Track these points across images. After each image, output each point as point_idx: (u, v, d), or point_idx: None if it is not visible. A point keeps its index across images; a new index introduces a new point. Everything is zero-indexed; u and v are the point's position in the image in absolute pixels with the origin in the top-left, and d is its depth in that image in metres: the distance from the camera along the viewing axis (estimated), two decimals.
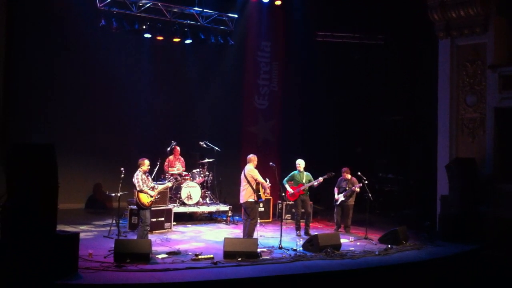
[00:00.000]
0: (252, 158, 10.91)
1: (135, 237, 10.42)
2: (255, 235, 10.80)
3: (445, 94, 13.62)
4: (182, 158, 13.68)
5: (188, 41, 15.41)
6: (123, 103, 15.08)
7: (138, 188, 10.15)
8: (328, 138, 16.86)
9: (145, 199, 10.16)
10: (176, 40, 15.40)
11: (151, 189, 10.28)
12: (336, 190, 12.59)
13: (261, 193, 10.73)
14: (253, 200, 10.68)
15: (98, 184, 14.66)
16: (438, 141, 13.69)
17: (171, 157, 13.51)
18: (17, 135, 12.88)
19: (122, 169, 10.75)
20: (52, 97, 14.05)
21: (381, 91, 16.51)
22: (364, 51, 16.96)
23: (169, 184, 11.74)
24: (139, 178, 10.20)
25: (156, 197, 10.46)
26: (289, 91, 17.00)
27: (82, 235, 9.41)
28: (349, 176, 12.49)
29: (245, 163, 11.01)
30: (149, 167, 10.45)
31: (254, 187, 10.64)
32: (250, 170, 10.75)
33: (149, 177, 10.49)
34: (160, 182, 11.90)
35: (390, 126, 16.63)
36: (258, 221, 12.41)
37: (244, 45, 16.45)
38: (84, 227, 11.91)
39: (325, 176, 12.14)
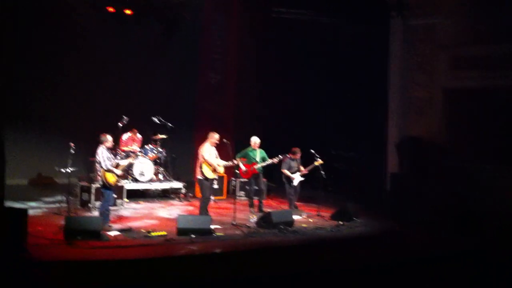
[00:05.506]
0: (210, 135, 10.92)
1: (87, 214, 10.24)
2: (209, 212, 10.84)
3: (396, 72, 13.86)
4: (139, 138, 13.48)
5: (140, 14, 15.04)
6: (73, 77, 14.66)
7: (105, 168, 9.71)
8: (282, 115, 16.89)
9: (111, 178, 9.76)
10: (128, 12, 14.99)
11: (115, 166, 9.89)
12: (285, 171, 12.27)
13: (205, 170, 10.63)
14: (201, 177, 10.70)
15: (44, 159, 14.20)
16: (389, 120, 13.94)
17: (126, 137, 13.25)
18: None
19: (72, 144, 10.47)
20: None
21: (334, 69, 16.57)
22: (317, 29, 16.95)
23: (132, 161, 11.35)
24: (105, 156, 9.74)
25: (122, 176, 10.07)
26: (243, 67, 16.86)
27: (31, 212, 9.24)
28: (299, 156, 12.49)
29: (199, 140, 10.99)
30: (113, 143, 10.06)
31: (199, 164, 10.68)
32: (201, 147, 10.84)
33: (111, 154, 10.08)
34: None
35: (341, 103, 16.74)
36: (212, 198, 12.44)
37: (199, 18, 16.15)
38: (33, 204, 11.62)
39: (280, 157, 12.12)
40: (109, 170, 9.76)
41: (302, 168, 12.26)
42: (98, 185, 10.42)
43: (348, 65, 15.97)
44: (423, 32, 13.55)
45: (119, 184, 11.87)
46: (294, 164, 12.36)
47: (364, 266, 8.46)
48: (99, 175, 9.95)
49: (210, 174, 10.74)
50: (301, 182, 12.45)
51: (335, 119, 16.46)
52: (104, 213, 9.80)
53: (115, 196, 11.16)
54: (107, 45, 15.10)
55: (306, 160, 12.39)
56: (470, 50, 12.97)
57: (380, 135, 14.50)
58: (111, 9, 14.62)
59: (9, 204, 9.02)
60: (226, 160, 11.13)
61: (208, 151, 10.75)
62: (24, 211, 8.32)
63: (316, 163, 12.14)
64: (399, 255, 9.40)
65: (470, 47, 12.95)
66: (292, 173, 12.28)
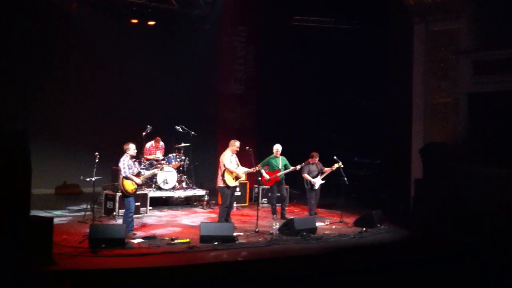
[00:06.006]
0: (231, 142, 10.97)
1: (111, 222, 10.36)
2: (232, 219, 10.92)
3: (419, 78, 13.72)
4: (163, 146, 13.61)
5: (163, 25, 15.26)
6: (96, 88, 14.89)
7: (123, 175, 9.81)
8: (303, 123, 16.90)
9: (129, 186, 9.82)
10: (151, 23, 15.22)
11: (136, 175, 9.96)
12: (306, 176, 12.35)
13: (226, 179, 10.65)
14: (223, 185, 10.73)
15: (69, 168, 14.44)
16: (413, 126, 13.81)
17: (149, 145, 13.41)
18: None
19: (96, 153, 10.64)
20: (24, 83, 13.80)
21: (356, 76, 16.55)
22: (337, 35, 16.94)
23: (156, 171, 11.46)
24: (126, 163, 9.84)
25: (142, 184, 10.12)
26: (265, 76, 16.94)
27: (56, 220, 9.35)
28: (317, 159, 12.52)
29: (222, 148, 11.05)
30: (135, 151, 10.13)
31: (221, 172, 10.69)
32: (222, 155, 10.89)
33: (135, 163, 10.15)
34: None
35: (364, 111, 16.70)
36: (235, 205, 12.48)
37: (220, 29, 16.31)
38: (58, 212, 11.81)
39: (303, 165, 12.22)
40: (127, 178, 9.83)
41: (326, 168, 12.30)
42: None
43: (369, 71, 15.94)
44: (446, 37, 13.40)
45: (142, 191, 12.03)
46: (313, 168, 12.42)
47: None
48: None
49: (231, 182, 10.77)
50: (322, 188, 12.47)
51: (357, 126, 16.41)
52: (127, 221, 9.89)
53: (137, 203, 11.28)
54: (130, 56, 15.33)
55: (327, 166, 12.44)
56: (493, 54, 12.81)
57: (403, 141, 14.37)
58: (134, 21, 14.90)
59: (35, 213, 9.20)
60: (248, 167, 11.16)
61: (229, 159, 10.79)
62: (50, 220, 8.43)
63: (336, 165, 12.16)
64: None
65: (493, 51, 12.80)
66: (312, 177, 12.33)
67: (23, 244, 7.55)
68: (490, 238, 10.09)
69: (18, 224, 7.60)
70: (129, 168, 9.86)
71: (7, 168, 7.67)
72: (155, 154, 13.38)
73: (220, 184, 10.79)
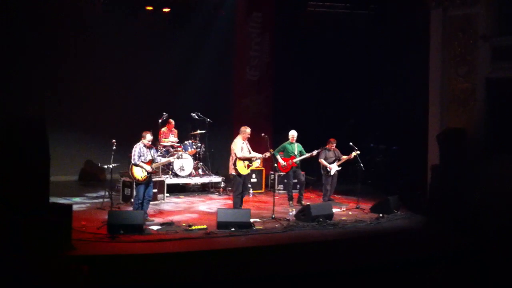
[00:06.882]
0: (241, 129, 10.86)
1: (129, 209, 10.46)
2: (248, 206, 10.94)
3: (436, 64, 13.57)
4: (175, 130, 13.68)
5: (178, 12, 15.26)
6: (114, 75, 14.96)
7: (132, 162, 9.84)
8: (319, 109, 16.84)
9: (137, 173, 9.82)
10: (166, 10, 15.21)
11: (148, 163, 9.94)
12: (322, 161, 12.42)
13: (238, 167, 10.53)
14: (235, 173, 10.67)
15: (90, 156, 14.61)
16: (429, 111, 13.72)
17: (164, 129, 13.49)
18: (8, 109, 12.76)
19: (113, 141, 10.72)
20: (43, 71, 13.92)
21: (372, 62, 16.43)
22: (353, 21, 16.82)
23: (171, 159, 11.47)
24: (136, 150, 9.85)
25: (152, 172, 10.02)
26: (281, 63, 16.86)
27: (75, 207, 9.45)
28: (333, 146, 12.54)
29: (237, 134, 11.00)
30: (150, 141, 10.01)
31: (233, 160, 10.64)
32: (233, 143, 10.79)
33: (150, 151, 10.05)
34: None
35: (380, 97, 16.60)
36: (251, 191, 12.52)
37: (235, 15, 16.25)
38: (77, 199, 11.94)
39: (319, 150, 12.26)
40: (136, 165, 9.84)
41: (343, 156, 12.35)
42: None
43: (386, 57, 15.82)
44: (464, 22, 13.22)
45: (160, 178, 12.10)
46: (330, 154, 12.48)
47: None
48: None
49: (243, 171, 10.68)
50: (339, 175, 12.49)
51: (374, 112, 16.33)
52: (134, 208, 9.96)
53: (155, 190, 11.34)
54: (146, 43, 15.37)
55: (344, 153, 12.46)
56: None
57: (421, 127, 14.29)
58: (149, 8, 14.91)
59: (54, 200, 9.32)
60: (263, 153, 11.09)
61: (240, 147, 10.66)
62: (69, 206, 8.53)
63: (353, 153, 12.17)
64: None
65: None
66: (329, 163, 12.37)
67: (40, 229, 7.65)
68: (502, 234, 10.00)
69: (35, 210, 7.70)
70: (139, 156, 9.86)
71: (25, 155, 7.76)
72: (169, 138, 13.41)
73: (232, 172, 10.70)
